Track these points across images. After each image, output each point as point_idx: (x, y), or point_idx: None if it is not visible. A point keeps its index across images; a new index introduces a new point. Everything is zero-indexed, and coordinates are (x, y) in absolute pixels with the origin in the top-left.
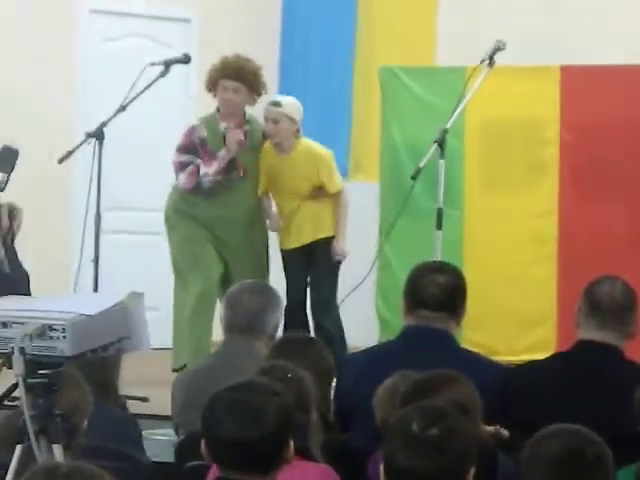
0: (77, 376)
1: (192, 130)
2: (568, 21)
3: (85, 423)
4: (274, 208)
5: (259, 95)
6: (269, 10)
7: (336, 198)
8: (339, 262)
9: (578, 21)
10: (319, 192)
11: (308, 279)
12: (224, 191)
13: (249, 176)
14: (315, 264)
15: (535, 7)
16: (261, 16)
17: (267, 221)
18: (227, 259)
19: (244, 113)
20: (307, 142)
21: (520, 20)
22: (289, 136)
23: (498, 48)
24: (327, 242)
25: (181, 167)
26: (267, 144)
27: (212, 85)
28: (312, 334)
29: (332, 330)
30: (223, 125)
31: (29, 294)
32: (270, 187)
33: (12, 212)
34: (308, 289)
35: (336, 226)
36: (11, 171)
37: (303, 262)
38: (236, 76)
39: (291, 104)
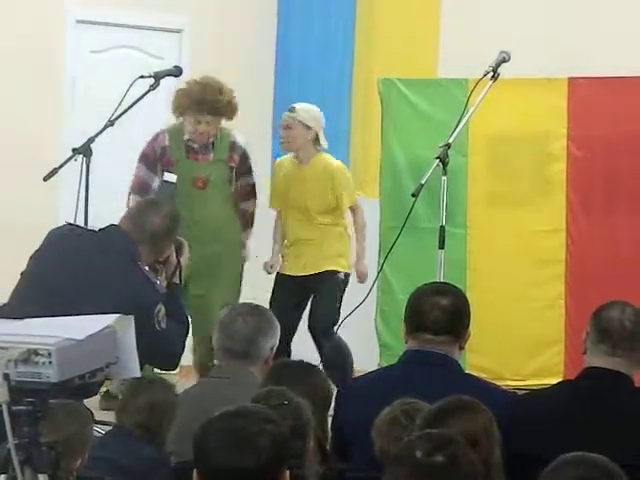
0: (80, 409)
1: (154, 138)
2: (575, 32)
3: (82, 458)
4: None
5: (228, 117)
6: (264, 21)
7: (355, 214)
8: (360, 282)
9: (585, 32)
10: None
11: (295, 305)
12: (183, 209)
13: (211, 187)
14: (318, 292)
15: (541, 17)
16: (255, 27)
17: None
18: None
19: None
20: (327, 156)
21: (526, 31)
22: (304, 144)
23: (503, 60)
24: (331, 273)
25: (138, 187)
26: (281, 159)
27: (181, 113)
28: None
29: (329, 355)
30: (186, 137)
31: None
32: (280, 202)
33: (178, 247)
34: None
35: (358, 246)
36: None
37: (295, 288)
38: (213, 111)
39: (306, 110)
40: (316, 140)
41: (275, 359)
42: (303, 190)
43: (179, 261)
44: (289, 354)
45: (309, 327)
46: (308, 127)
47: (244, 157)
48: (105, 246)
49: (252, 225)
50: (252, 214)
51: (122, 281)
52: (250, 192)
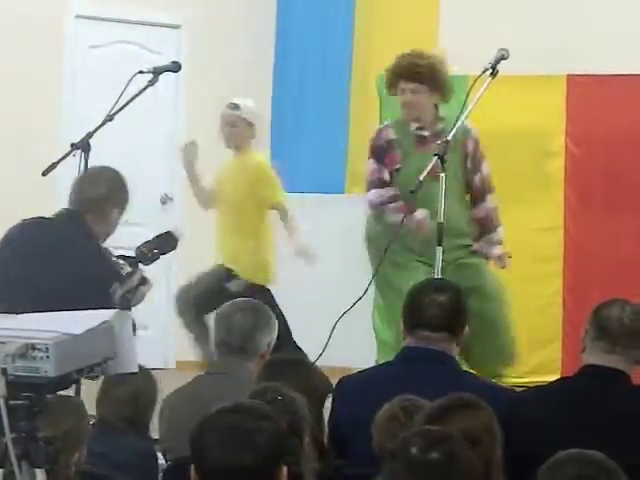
0: (77, 404)
1: (378, 133)
2: (574, 29)
3: (79, 453)
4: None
5: (444, 94)
6: (263, 17)
7: (283, 214)
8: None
9: (584, 29)
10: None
11: None
12: (426, 206)
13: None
14: None
15: (540, 14)
16: (254, 22)
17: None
18: None
19: (435, 112)
20: (257, 153)
21: (524, 28)
22: (244, 143)
23: (502, 57)
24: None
25: (377, 180)
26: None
27: (390, 87)
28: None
29: None
30: (414, 125)
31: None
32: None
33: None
34: None
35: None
36: (162, 253)
37: None
38: (412, 76)
39: (250, 109)
40: (251, 139)
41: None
42: (231, 183)
43: (139, 287)
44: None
45: None
46: (252, 126)
47: (477, 145)
48: (58, 227)
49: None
50: (494, 209)
51: (76, 256)
52: (489, 186)
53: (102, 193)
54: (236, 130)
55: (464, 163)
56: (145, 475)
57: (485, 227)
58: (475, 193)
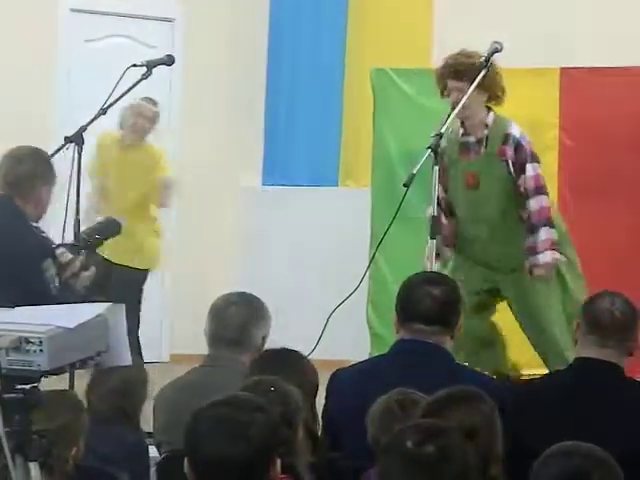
0: (74, 398)
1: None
2: (568, 22)
3: (76, 448)
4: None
5: (494, 93)
6: (256, 10)
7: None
8: None
9: (578, 22)
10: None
11: None
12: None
13: (483, 185)
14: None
15: (534, 7)
16: (248, 16)
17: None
18: None
19: (484, 116)
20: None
21: (518, 21)
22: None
23: (495, 50)
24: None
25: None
26: (110, 138)
27: (442, 88)
28: None
29: None
30: (461, 131)
31: None
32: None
33: (86, 261)
34: None
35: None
36: (104, 239)
37: None
38: (454, 74)
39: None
40: None
41: None
42: (129, 176)
43: (80, 272)
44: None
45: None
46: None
47: (518, 149)
48: None
49: (547, 225)
50: (537, 212)
51: (3, 234)
52: (532, 188)
53: (28, 171)
54: (152, 126)
55: (507, 171)
56: (135, 467)
57: (527, 230)
58: (522, 199)
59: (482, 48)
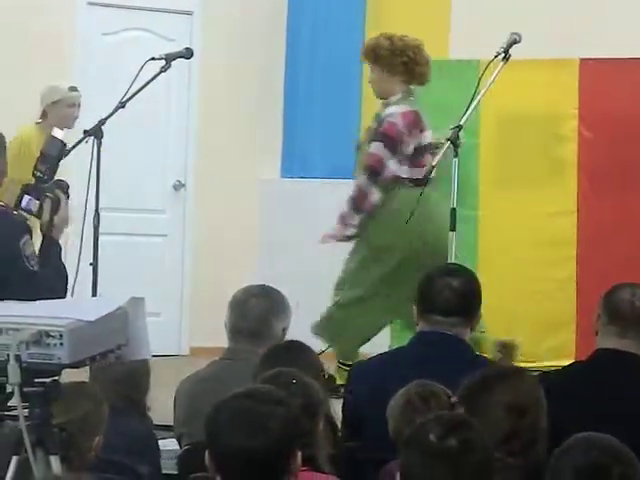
0: (92, 390)
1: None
2: (587, 12)
3: (97, 439)
4: None
5: (402, 74)
6: (275, 3)
7: None
8: None
9: (597, 12)
10: None
11: None
12: None
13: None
14: None
15: None
16: (267, 9)
17: None
18: None
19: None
20: None
21: (537, 12)
22: None
23: (514, 41)
24: None
25: None
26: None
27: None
28: None
29: None
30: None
31: (62, 296)
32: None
33: (56, 204)
34: None
35: None
36: (57, 161)
37: None
38: (368, 56)
39: None
40: None
41: None
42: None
43: (52, 217)
44: None
45: None
46: None
47: (379, 125)
48: None
49: (351, 203)
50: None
51: None
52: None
53: None
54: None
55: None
56: (145, 457)
57: None
58: None
59: (500, 39)
